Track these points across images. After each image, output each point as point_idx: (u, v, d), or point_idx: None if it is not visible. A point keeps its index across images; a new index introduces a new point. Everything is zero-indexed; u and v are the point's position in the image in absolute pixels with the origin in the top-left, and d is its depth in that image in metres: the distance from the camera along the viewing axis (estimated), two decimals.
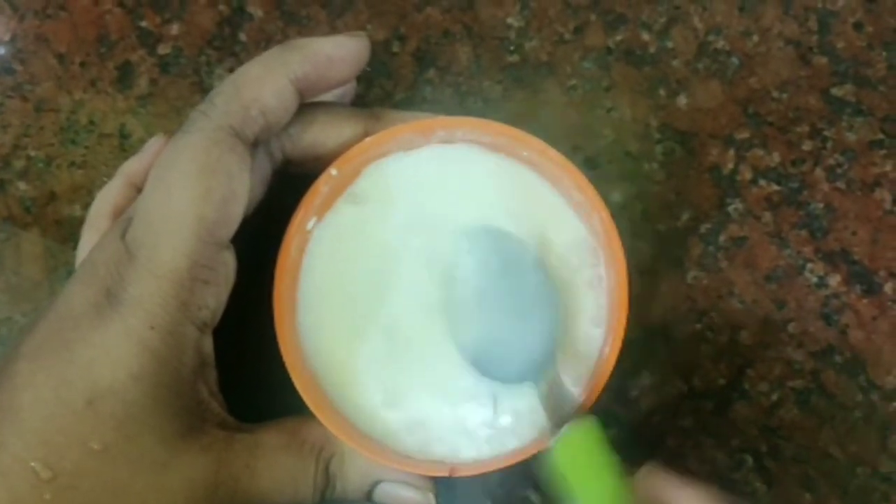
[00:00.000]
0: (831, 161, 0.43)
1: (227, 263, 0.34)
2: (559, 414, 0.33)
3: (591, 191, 0.35)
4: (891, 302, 0.41)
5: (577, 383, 0.35)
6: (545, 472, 0.32)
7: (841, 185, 0.43)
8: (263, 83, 0.33)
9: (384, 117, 0.37)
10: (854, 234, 0.42)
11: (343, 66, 0.35)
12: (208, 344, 0.34)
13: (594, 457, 0.31)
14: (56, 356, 0.31)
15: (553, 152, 0.36)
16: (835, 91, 0.44)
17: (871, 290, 0.42)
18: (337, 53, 0.35)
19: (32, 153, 0.46)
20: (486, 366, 0.36)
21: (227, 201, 0.33)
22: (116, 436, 0.31)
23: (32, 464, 0.30)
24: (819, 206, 0.43)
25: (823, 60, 0.44)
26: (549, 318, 0.36)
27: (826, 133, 0.43)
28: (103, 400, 0.31)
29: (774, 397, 0.41)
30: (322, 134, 0.36)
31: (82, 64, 0.47)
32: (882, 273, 0.42)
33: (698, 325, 0.42)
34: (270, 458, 0.34)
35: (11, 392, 0.31)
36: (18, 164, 0.46)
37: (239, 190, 0.33)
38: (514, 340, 0.36)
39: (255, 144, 0.34)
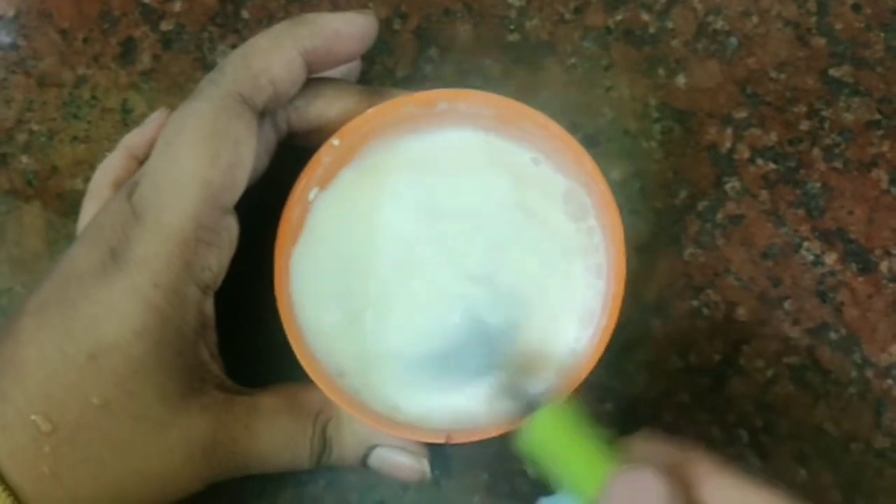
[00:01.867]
0: (828, 141, 0.43)
1: (231, 228, 0.34)
2: (524, 403, 0.33)
3: (591, 165, 0.36)
4: (886, 280, 0.42)
5: (574, 355, 0.36)
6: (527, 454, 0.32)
7: (838, 164, 0.43)
8: (273, 54, 0.34)
9: (389, 95, 0.37)
10: (850, 213, 0.42)
11: (351, 42, 0.36)
12: (210, 306, 0.34)
13: (568, 441, 0.31)
14: (60, 312, 0.32)
15: (555, 126, 0.36)
16: (833, 72, 0.44)
17: (867, 268, 0.42)
18: (345, 29, 0.35)
19: (35, 127, 0.46)
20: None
21: (233, 167, 0.33)
22: (117, 392, 0.31)
23: (33, 417, 0.31)
24: (816, 185, 0.43)
25: (822, 41, 0.44)
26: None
27: (824, 113, 0.44)
28: (106, 356, 0.31)
29: (770, 374, 0.41)
30: (327, 108, 0.37)
31: (85, 40, 0.47)
32: (878, 252, 0.42)
33: (695, 302, 0.42)
34: (269, 420, 0.35)
35: (15, 347, 0.32)
36: (21, 137, 0.46)
37: (245, 156, 0.33)
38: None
39: (262, 114, 0.35)
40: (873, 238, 0.42)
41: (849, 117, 0.43)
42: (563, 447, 0.31)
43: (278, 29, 0.35)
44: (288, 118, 0.37)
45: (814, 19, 0.45)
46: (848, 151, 0.43)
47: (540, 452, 0.32)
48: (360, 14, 0.36)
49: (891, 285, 0.41)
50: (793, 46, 0.44)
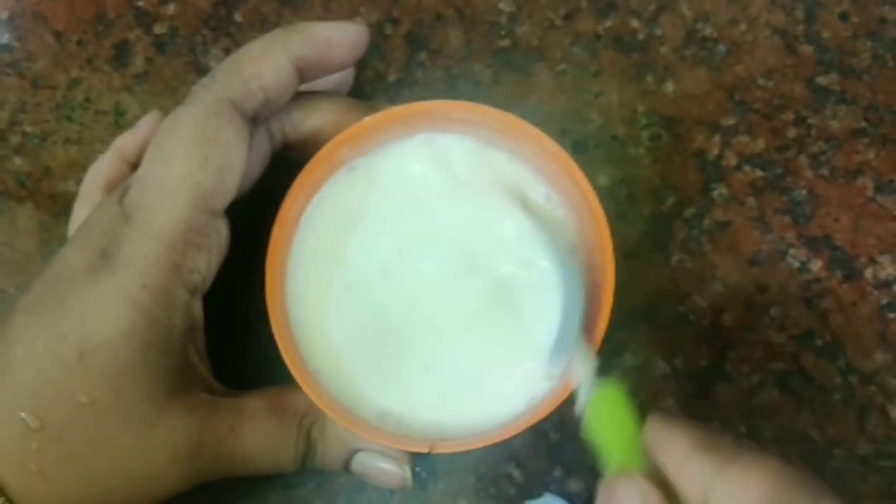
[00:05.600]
0: (815, 148, 0.44)
1: (220, 232, 0.34)
2: (586, 377, 0.33)
3: (583, 181, 0.36)
4: (870, 287, 0.42)
5: (565, 363, 0.36)
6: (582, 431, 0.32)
7: (824, 172, 0.43)
8: (264, 60, 0.34)
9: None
10: (836, 220, 0.43)
11: (342, 51, 0.36)
12: (198, 308, 0.35)
13: (619, 415, 0.32)
14: (50, 311, 0.32)
15: (549, 141, 0.36)
16: (820, 80, 0.44)
17: (852, 275, 0.42)
18: (337, 37, 0.36)
19: (28, 129, 0.47)
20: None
21: (222, 170, 0.33)
22: (105, 391, 0.32)
23: (22, 414, 0.31)
24: (802, 192, 0.43)
25: (809, 49, 0.45)
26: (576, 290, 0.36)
27: (810, 121, 0.44)
28: (94, 355, 0.31)
29: (755, 379, 0.41)
30: (323, 121, 0.37)
31: (79, 42, 0.48)
32: (863, 259, 0.42)
33: (681, 308, 0.42)
34: (254, 421, 0.35)
35: (4, 345, 0.32)
36: (14, 139, 0.47)
37: (235, 160, 0.34)
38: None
39: (254, 121, 0.35)
40: (858, 245, 0.42)
41: (835, 125, 0.44)
42: (612, 425, 0.32)
43: (270, 37, 0.35)
44: (283, 129, 0.37)
45: (801, 27, 0.45)
46: (834, 159, 0.43)
47: (594, 425, 0.32)
48: (352, 23, 0.36)
49: (875, 292, 0.42)
50: (780, 54, 0.45)
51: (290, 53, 0.35)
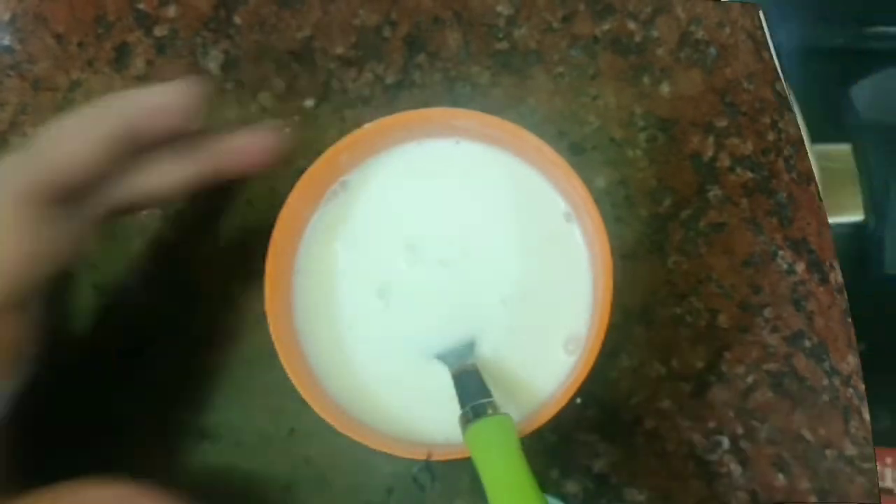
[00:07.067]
0: (787, 152, 0.44)
1: (14, 328, 0.33)
2: (472, 405, 0.33)
3: (582, 189, 0.36)
4: (836, 292, 0.43)
5: (565, 366, 0.36)
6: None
7: (794, 175, 0.44)
8: (75, 139, 0.33)
9: (215, 147, 0.36)
10: (808, 224, 0.43)
11: (169, 116, 0.35)
12: None
13: (500, 453, 0.32)
14: None
15: (548, 149, 0.37)
16: (777, 86, 0.45)
17: (825, 279, 0.43)
18: (163, 103, 0.35)
19: (29, 130, 0.47)
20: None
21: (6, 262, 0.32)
22: None
23: None
24: (783, 195, 0.44)
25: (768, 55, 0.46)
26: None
27: (780, 125, 0.45)
28: None
29: (750, 380, 0.42)
30: (147, 181, 0.36)
31: (80, 44, 0.48)
32: (828, 263, 0.43)
33: (678, 309, 0.43)
34: None
35: None
36: (15, 140, 0.47)
37: (27, 250, 0.32)
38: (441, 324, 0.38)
39: (66, 199, 0.33)
40: (825, 249, 0.43)
41: (795, 131, 0.45)
42: (492, 459, 0.32)
43: (88, 112, 0.34)
44: (109, 196, 0.35)
45: (759, 33, 0.46)
46: (799, 164, 0.44)
47: (475, 457, 0.32)
48: (181, 86, 0.35)
49: (838, 297, 0.43)
50: (755, 58, 0.45)
51: (109, 128, 0.33)
